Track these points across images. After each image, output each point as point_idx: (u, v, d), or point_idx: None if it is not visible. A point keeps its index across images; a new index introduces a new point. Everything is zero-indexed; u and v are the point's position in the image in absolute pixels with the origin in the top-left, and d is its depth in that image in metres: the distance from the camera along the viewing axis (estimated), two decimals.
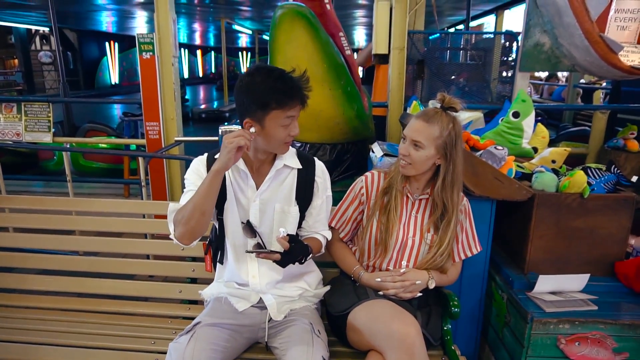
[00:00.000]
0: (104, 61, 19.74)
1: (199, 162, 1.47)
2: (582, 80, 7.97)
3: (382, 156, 2.19)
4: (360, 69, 3.77)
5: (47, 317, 1.75)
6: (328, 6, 2.39)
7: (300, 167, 1.50)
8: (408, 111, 2.82)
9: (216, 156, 1.39)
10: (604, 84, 8.83)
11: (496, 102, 3.51)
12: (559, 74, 9.68)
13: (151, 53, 3.23)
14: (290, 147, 1.49)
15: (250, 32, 17.95)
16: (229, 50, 14.25)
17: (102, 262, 1.93)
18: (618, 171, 1.89)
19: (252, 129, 1.34)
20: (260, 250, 1.32)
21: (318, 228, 1.56)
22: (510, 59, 3.66)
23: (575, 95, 7.12)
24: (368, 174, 1.66)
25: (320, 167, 1.55)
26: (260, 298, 1.49)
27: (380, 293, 1.52)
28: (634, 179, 1.88)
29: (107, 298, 1.86)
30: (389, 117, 3.30)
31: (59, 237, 1.96)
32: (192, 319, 1.76)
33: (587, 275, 1.77)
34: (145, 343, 1.58)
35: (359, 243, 1.65)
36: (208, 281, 1.83)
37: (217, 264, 1.58)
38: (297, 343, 1.31)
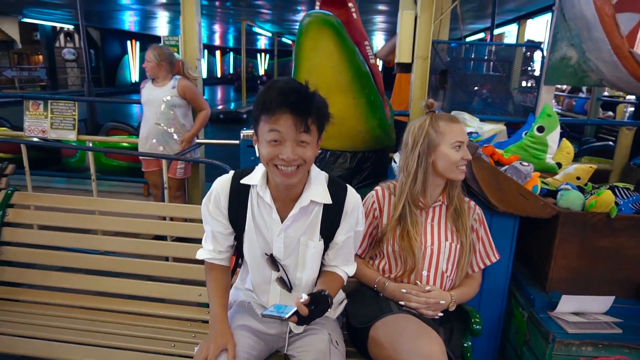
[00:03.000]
0: (125, 59, 20.06)
1: (220, 191, 1.37)
2: (605, 93, 7.84)
3: None
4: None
5: (68, 315, 1.78)
6: (354, 14, 2.39)
7: (330, 202, 1.35)
8: None
9: (243, 181, 1.34)
10: (627, 97, 8.69)
11: (518, 115, 3.46)
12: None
13: (177, 55, 3.27)
14: (320, 173, 1.38)
15: (269, 34, 18.07)
16: (248, 52, 14.35)
17: (123, 262, 1.95)
18: None
19: (256, 145, 1.28)
20: (278, 316, 1.22)
21: (339, 263, 1.46)
22: (532, 70, 3.62)
23: (598, 108, 7.00)
24: (378, 188, 1.65)
25: (352, 199, 1.39)
26: None
27: (402, 304, 1.50)
28: None
29: (127, 298, 1.88)
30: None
31: (82, 235, 1.99)
32: None
33: (612, 298, 1.73)
34: (165, 345, 1.59)
35: (374, 261, 1.64)
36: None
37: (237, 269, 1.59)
38: (313, 353, 1.30)
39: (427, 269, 1.57)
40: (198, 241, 1.92)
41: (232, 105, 14.48)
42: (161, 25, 17.23)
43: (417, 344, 1.29)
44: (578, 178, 2.27)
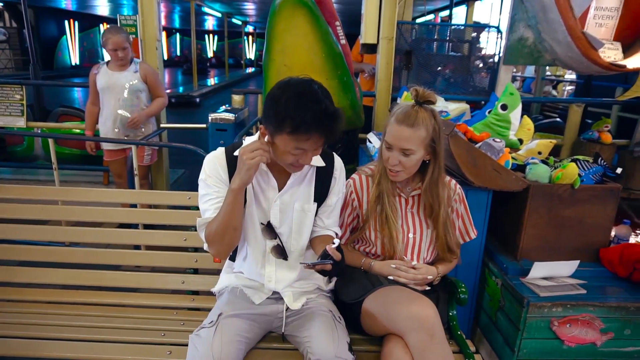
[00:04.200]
0: (64, 41, 18.76)
1: (216, 163, 1.38)
2: (547, 73, 8.29)
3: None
4: None
5: (46, 311, 1.69)
6: None
7: (324, 164, 1.44)
8: (399, 101, 2.86)
9: (236, 153, 1.35)
10: (567, 77, 9.25)
11: (477, 94, 3.60)
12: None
13: (134, 36, 3.12)
14: None
15: (219, 14, 17.50)
16: (195, 33, 13.83)
17: (99, 253, 1.87)
18: (604, 163, 2.00)
19: (266, 137, 1.29)
20: (316, 262, 1.26)
21: (331, 224, 1.53)
22: (484, 51, 3.77)
23: (543, 87, 7.39)
24: (355, 177, 1.64)
25: (339, 163, 1.50)
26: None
27: (391, 278, 1.54)
28: (619, 170, 2.00)
29: (108, 290, 1.81)
30: (377, 106, 3.33)
31: (46, 227, 1.90)
32: (198, 310, 1.78)
33: (577, 262, 1.88)
34: (155, 335, 1.56)
35: (360, 246, 1.66)
36: (210, 271, 1.84)
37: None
38: (321, 331, 1.33)
39: (410, 258, 1.60)
40: (171, 227, 1.89)
41: (181, 89, 13.95)
42: (101, 3, 16.21)
43: (412, 310, 1.34)
44: (540, 153, 2.41)
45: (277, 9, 2.16)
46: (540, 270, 1.86)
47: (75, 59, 19.24)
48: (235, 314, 1.40)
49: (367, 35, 3.22)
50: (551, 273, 1.88)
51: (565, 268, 1.88)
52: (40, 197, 1.98)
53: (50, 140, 2.69)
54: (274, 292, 1.49)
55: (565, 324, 1.77)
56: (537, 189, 1.91)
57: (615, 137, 3.27)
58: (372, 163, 1.69)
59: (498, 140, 2.01)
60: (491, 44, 3.98)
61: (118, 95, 2.94)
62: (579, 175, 1.93)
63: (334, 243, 1.25)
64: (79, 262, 1.86)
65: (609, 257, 1.96)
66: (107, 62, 2.97)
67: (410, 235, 1.58)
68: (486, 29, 3.49)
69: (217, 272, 1.72)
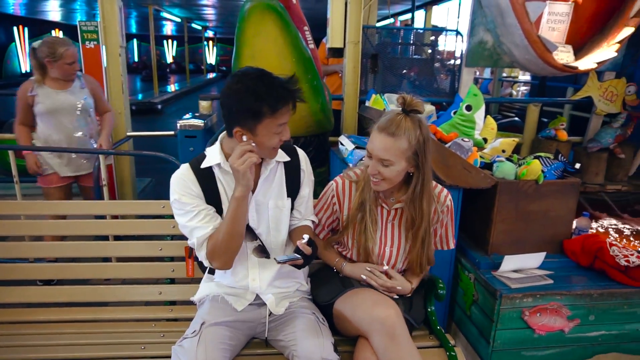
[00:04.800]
0: (12, 48, 17.87)
1: (185, 180, 1.38)
2: (504, 74, 8.63)
3: (353, 149, 2.26)
4: None
5: (15, 332, 1.61)
6: (294, 0, 2.40)
7: (289, 159, 1.48)
8: (367, 104, 2.91)
9: (203, 165, 1.38)
10: (521, 78, 9.68)
11: (439, 95, 3.71)
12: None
13: (95, 42, 3.03)
14: None
15: (178, 19, 17.17)
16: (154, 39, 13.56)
17: (68, 268, 1.81)
18: (564, 159, 2.11)
19: (244, 138, 1.29)
20: (288, 258, 1.31)
21: (308, 214, 1.57)
22: (445, 54, 3.90)
23: (501, 88, 7.70)
24: (338, 180, 1.60)
25: (302, 155, 1.55)
26: (257, 295, 1.49)
27: (363, 278, 1.54)
28: (577, 166, 2.12)
29: (81, 306, 1.75)
30: (345, 109, 3.36)
31: (11, 243, 1.81)
32: (177, 320, 1.75)
33: (544, 254, 1.97)
34: (135, 349, 1.52)
35: (340, 248, 1.66)
36: (188, 280, 1.81)
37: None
38: (307, 334, 1.34)
39: (387, 264, 1.59)
40: (141, 238, 1.83)
41: (140, 95, 13.58)
42: (53, 8, 15.57)
43: (374, 312, 1.36)
44: (504, 151, 2.52)
45: (246, 15, 2.16)
46: (510, 264, 1.94)
47: (25, 67, 18.34)
48: (218, 322, 1.39)
49: (333, 39, 3.25)
50: (520, 265, 1.97)
51: (533, 260, 1.97)
52: (1, 212, 1.89)
53: (11, 152, 2.56)
54: (256, 298, 1.49)
55: (536, 313, 1.86)
56: (505, 185, 2.00)
57: (569, 135, 3.45)
58: (358, 167, 1.66)
59: (466, 139, 2.09)
60: (451, 47, 4.13)
61: (70, 117, 2.61)
62: (542, 171, 2.03)
63: (303, 238, 1.31)
64: (47, 278, 1.79)
65: (571, 248, 2.07)
66: (41, 80, 2.53)
67: (387, 248, 1.57)
68: (447, 33, 3.61)
69: (195, 281, 1.70)
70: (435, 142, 1.98)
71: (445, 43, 4.04)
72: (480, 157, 2.20)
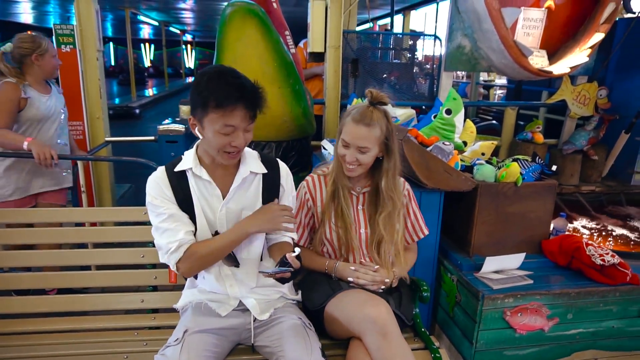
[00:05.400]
0: None
1: (159, 183, 1.37)
2: (481, 79, 8.81)
3: None
4: None
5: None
6: (275, 4, 2.40)
7: (266, 171, 1.46)
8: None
9: (177, 169, 1.38)
10: (497, 81, 9.89)
11: (421, 100, 3.76)
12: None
13: (71, 46, 2.97)
14: (251, 150, 1.48)
15: (156, 23, 16.96)
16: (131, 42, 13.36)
17: (47, 277, 1.76)
18: (541, 161, 2.17)
19: (196, 129, 1.32)
20: (275, 271, 1.26)
21: (286, 231, 1.52)
22: (423, 58, 3.96)
23: (479, 92, 7.84)
24: (308, 178, 1.70)
25: (284, 169, 1.53)
26: (241, 301, 1.48)
27: (351, 281, 1.57)
28: (554, 168, 2.17)
29: (62, 316, 1.70)
30: (327, 114, 3.39)
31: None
32: (160, 328, 1.72)
33: (523, 254, 2.02)
34: (117, 359, 1.49)
35: (317, 249, 1.69)
36: (170, 288, 1.78)
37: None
38: (293, 338, 1.33)
39: (367, 254, 1.65)
40: (121, 245, 1.79)
41: (117, 100, 13.35)
42: (25, 10, 15.18)
43: (365, 311, 1.38)
44: (483, 154, 2.56)
45: (227, 19, 2.15)
46: (491, 265, 1.97)
47: None
48: (202, 329, 1.38)
49: (314, 43, 3.28)
50: (501, 266, 2.00)
51: (513, 261, 2.01)
52: None
53: None
54: (240, 304, 1.47)
55: (517, 313, 1.89)
56: (485, 188, 2.04)
57: (545, 137, 3.54)
58: (324, 165, 1.74)
59: (447, 143, 2.13)
60: (429, 52, 4.20)
61: (55, 124, 2.43)
62: (521, 173, 2.07)
63: (294, 252, 1.29)
64: (25, 288, 1.74)
65: (550, 248, 2.12)
66: (22, 83, 2.29)
67: (362, 230, 1.64)
68: (425, 37, 3.66)
69: (177, 288, 1.68)
70: (416, 146, 2.00)
71: (424, 47, 4.11)
72: (461, 160, 2.23)
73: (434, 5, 8.97)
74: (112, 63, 27.23)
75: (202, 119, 1.27)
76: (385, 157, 1.58)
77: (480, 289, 1.88)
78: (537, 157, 2.17)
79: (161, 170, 1.41)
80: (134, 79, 12.85)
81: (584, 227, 2.83)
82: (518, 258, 2.01)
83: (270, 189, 1.48)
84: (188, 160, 1.40)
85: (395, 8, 10.84)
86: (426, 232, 1.79)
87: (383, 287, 1.60)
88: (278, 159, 1.55)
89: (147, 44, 27.77)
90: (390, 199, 1.60)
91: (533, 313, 1.91)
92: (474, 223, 2.07)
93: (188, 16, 15.79)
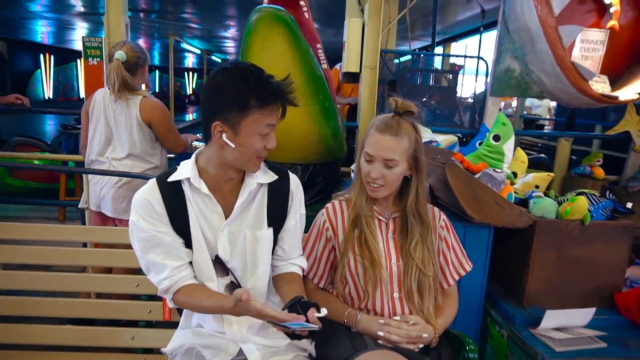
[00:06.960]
0: (37, 74, 18.40)
1: (149, 198, 1.16)
2: (525, 112, 8.40)
3: None
4: None
5: None
6: (306, 14, 2.22)
7: (276, 177, 1.27)
8: None
9: (171, 178, 1.17)
10: (540, 112, 9.40)
11: (463, 127, 3.48)
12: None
13: (99, 59, 2.89)
14: None
15: (198, 51, 17.55)
16: (175, 71, 13.80)
17: (30, 302, 1.55)
18: (613, 197, 1.82)
19: (224, 135, 1.11)
20: (294, 327, 1.03)
21: (294, 254, 1.34)
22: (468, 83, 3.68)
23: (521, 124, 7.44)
24: (328, 204, 1.46)
25: (294, 180, 1.33)
26: (240, 349, 1.21)
27: (380, 341, 1.29)
28: (629, 205, 1.82)
29: (39, 350, 1.48)
30: (360, 137, 3.15)
31: None
32: None
33: (593, 310, 1.65)
34: None
35: (338, 288, 1.42)
36: (167, 324, 1.53)
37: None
38: None
39: (398, 290, 1.37)
40: (128, 271, 1.59)
41: None
42: (79, 38, 16.07)
43: None
44: (537, 187, 2.23)
45: (252, 27, 1.96)
46: (552, 320, 1.61)
47: (49, 93, 18.83)
48: None
49: (349, 63, 3.08)
50: (565, 322, 1.64)
51: (580, 316, 1.65)
52: None
53: None
54: (240, 352, 1.20)
55: None
56: (545, 225, 1.70)
57: None
58: (347, 191, 1.50)
59: (499, 170, 1.82)
60: (472, 78, 3.92)
61: None
62: (589, 210, 1.73)
63: (321, 312, 1.07)
64: (4, 314, 1.53)
65: (626, 303, 1.74)
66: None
67: (394, 262, 1.37)
68: (468, 59, 3.41)
69: (173, 325, 1.42)
70: (462, 172, 1.71)
71: (464, 71, 3.82)
72: (515, 191, 1.91)
73: (477, 36, 8.72)
74: (157, 90, 28.43)
75: (238, 122, 1.10)
76: (414, 176, 1.36)
77: (539, 351, 1.52)
78: (608, 192, 1.82)
79: (152, 183, 1.19)
80: (173, 104, 13.11)
81: None
82: (586, 313, 1.64)
83: (279, 201, 1.28)
84: (185, 170, 1.19)
85: (436, 39, 10.76)
86: (469, 267, 1.48)
87: (421, 344, 1.30)
88: (288, 170, 1.35)
89: (190, 73, 28.92)
90: (422, 221, 1.37)
91: None
92: (529, 267, 1.73)
93: (230, 45, 16.23)
